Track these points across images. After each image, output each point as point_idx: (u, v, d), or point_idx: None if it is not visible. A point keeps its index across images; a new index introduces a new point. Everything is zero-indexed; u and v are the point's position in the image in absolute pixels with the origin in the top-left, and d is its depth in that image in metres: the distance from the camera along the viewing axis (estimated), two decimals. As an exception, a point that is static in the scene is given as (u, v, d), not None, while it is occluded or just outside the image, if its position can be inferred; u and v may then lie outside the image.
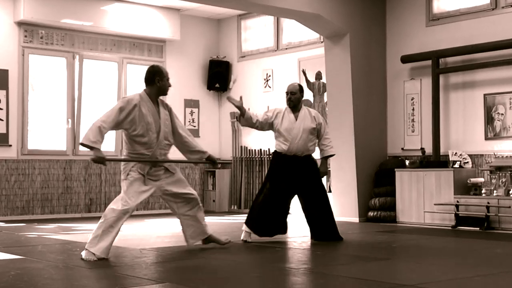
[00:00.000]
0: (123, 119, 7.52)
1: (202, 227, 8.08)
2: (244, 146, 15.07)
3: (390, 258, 7.47)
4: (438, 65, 11.78)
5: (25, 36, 13.18)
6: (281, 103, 14.11)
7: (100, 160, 7.40)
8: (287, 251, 8.28)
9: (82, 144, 7.49)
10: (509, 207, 10.22)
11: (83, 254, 7.23)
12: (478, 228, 10.51)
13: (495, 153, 10.97)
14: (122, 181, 7.61)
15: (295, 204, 9.30)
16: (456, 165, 11.19)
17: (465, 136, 11.58)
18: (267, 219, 8.80)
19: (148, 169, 7.54)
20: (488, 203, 10.43)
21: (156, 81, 7.65)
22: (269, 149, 14.44)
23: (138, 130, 7.52)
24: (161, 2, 14.18)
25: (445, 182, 11.08)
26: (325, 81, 13.04)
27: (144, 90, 7.69)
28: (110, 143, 14.13)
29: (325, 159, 9.13)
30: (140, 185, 7.48)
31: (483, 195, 10.68)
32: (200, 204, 8.05)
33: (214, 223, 11.98)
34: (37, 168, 13.21)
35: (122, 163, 7.69)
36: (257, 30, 15.10)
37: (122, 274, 6.35)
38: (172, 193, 7.78)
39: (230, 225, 11.52)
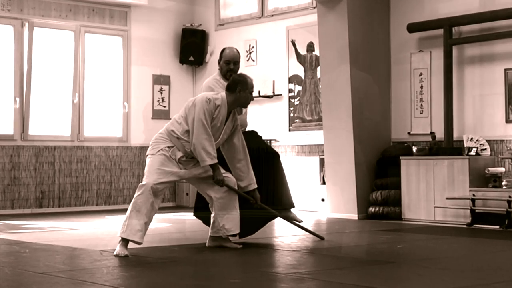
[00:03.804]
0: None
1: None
2: (223, 130, 15.06)
3: (394, 262, 7.47)
4: (451, 34, 11.78)
5: (-36, 0, 13.13)
6: (267, 79, 14.14)
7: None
8: (273, 252, 8.24)
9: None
10: (534, 201, 10.28)
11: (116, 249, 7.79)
12: (498, 227, 10.53)
13: (518, 139, 11.03)
14: (147, 157, 8.22)
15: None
16: (472, 153, 11.20)
17: (483, 118, 11.59)
18: None
19: (180, 157, 8.10)
20: (510, 197, 10.44)
21: (238, 90, 8.21)
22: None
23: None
24: (125, -41, 14.14)
25: (459, 172, 11.09)
26: (318, 54, 13.02)
27: (226, 93, 8.29)
28: (66, 128, 14.10)
29: None
30: (164, 164, 8.05)
31: (504, 187, 10.70)
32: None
33: (187, 220, 11.96)
34: (-22, 156, 13.19)
35: (152, 140, 8.25)
36: (238, -6, 15.09)
37: (79, 280, 6.32)
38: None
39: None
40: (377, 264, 7.22)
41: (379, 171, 12.27)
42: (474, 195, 10.82)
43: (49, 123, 14.04)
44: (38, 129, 13.83)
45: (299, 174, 13.19)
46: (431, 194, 11.39)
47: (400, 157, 11.83)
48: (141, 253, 7.84)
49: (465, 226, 10.84)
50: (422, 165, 11.53)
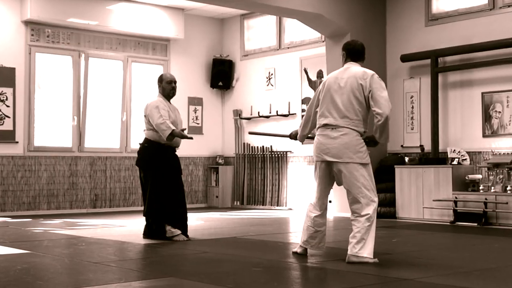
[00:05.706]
0: None
1: None
2: (247, 143, 15.06)
3: (390, 253, 7.45)
4: (437, 64, 11.76)
5: (32, 35, 13.17)
6: (284, 101, 14.13)
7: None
8: (288, 246, 8.17)
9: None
10: (506, 203, 10.21)
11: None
12: (476, 224, 10.49)
13: (493, 150, 10.96)
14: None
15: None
16: (455, 162, 11.18)
17: (463, 133, 11.56)
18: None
19: None
20: (486, 199, 10.42)
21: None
22: (271, 146, 14.42)
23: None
24: (165, 1, 14.17)
25: (443, 178, 11.07)
26: (326, 80, 13.01)
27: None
28: (116, 142, 14.15)
29: None
30: None
31: (481, 191, 10.66)
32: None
33: (217, 219, 11.97)
34: (43, 165, 13.21)
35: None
36: (259, 29, 15.08)
37: (127, 268, 6.34)
38: None
39: (232, 220, 11.49)
40: (375, 255, 7.15)
41: (377, 178, 12.18)
42: (456, 197, 10.78)
43: (102, 138, 14.09)
44: (92, 143, 13.89)
45: (309, 180, 13.15)
46: (420, 197, 11.36)
47: (395, 166, 11.81)
48: (178, 246, 7.82)
49: (448, 223, 10.80)
50: (413, 173, 11.50)
